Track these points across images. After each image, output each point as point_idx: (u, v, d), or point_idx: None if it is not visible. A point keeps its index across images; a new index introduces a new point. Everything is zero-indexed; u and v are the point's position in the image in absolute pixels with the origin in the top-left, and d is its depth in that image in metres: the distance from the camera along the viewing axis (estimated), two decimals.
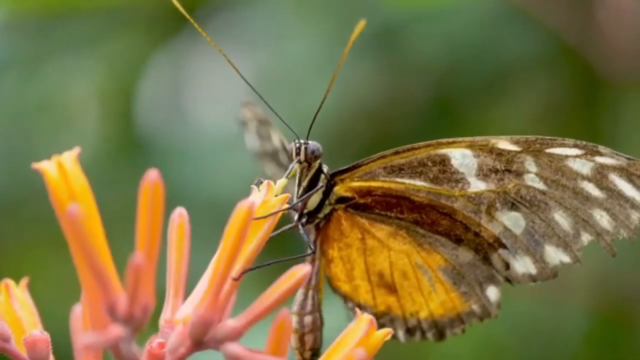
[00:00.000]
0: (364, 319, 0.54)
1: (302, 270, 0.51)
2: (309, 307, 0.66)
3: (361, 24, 0.64)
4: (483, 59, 1.32)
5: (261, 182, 0.59)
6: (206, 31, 0.67)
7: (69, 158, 0.51)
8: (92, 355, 0.54)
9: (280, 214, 0.58)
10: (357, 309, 0.57)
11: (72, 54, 1.49)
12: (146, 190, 0.50)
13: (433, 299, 0.66)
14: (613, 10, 1.19)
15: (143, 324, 0.49)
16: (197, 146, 1.43)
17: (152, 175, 0.50)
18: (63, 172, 0.51)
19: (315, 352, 0.65)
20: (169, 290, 0.55)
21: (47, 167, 0.51)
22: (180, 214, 0.56)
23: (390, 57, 1.34)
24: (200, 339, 0.51)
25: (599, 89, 1.26)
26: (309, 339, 0.65)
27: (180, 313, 0.54)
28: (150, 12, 1.44)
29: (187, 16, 0.67)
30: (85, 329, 0.54)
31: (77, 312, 0.56)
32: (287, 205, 0.60)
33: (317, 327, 0.66)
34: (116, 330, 0.49)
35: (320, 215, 0.66)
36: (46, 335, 0.54)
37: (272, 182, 0.58)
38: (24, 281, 0.58)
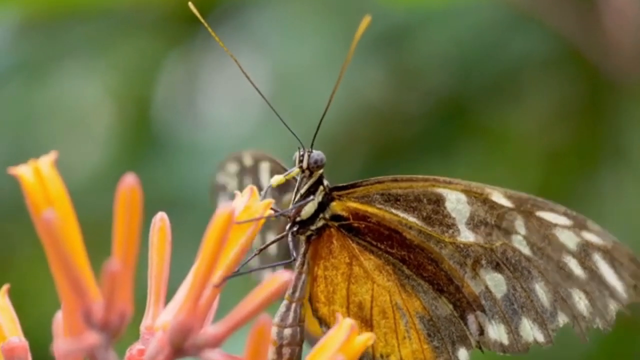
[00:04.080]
0: (345, 325, 0.53)
1: (283, 276, 0.51)
2: (290, 319, 0.64)
3: (366, 20, 0.63)
4: (490, 62, 1.31)
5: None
6: (217, 35, 0.67)
7: (46, 162, 0.51)
8: None
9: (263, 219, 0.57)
10: (339, 314, 0.56)
11: (84, 58, 1.49)
12: (123, 195, 0.49)
13: (406, 345, 0.65)
14: (617, 14, 1.18)
15: (120, 330, 0.49)
16: (212, 148, 1.43)
17: (129, 180, 0.49)
18: (39, 176, 0.50)
19: None
20: (150, 296, 0.55)
21: (24, 171, 0.50)
22: (161, 218, 0.55)
23: (398, 60, 1.33)
24: (180, 345, 0.51)
25: (605, 91, 1.25)
26: (286, 351, 0.64)
27: (160, 319, 0.54)
28: (164, 15, 1.45)
29: (202, 20, 0.66)
30: (64, 335, 0.53)
31: (59, 318, 0.55)
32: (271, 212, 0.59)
33: (297, 341, 0.64)
34: (92, 337, 0.48)
35: (313, 227, 0.65)
36: (24, 343, 0.54)
37: (255, 188, 0.57)
38: (5, 287, 0.58)
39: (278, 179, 0.64)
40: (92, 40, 1.48)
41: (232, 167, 0.74)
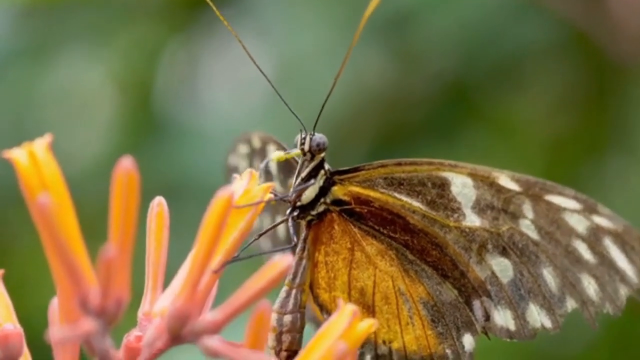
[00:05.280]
0: (347, 311, 0.52)
1: (284, 261, 0.49)
2: (290, 306, 0.63)
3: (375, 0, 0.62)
4: (495, 47, 1.30)
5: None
6: (219, 20, 0.66)
7: (41, 146, 0.50)
8: (70, 349, 0.52)
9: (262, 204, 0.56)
10: (340, 300, 0.55)
11: (86, 43, 1.48)
12: (120, 179, 0.48)
13: (409, 331, 0.64)
14: None
15: (117, 317, 0.48)
16: (214, 134, 1.42)
17: (126, 163, 0.48)
18: (34, 160, 0.49)
19: (292, 354, 0.62)
20: (148, 282, 0.54)
21: (18, 155, 0.49)
22: (159, 202, 0.54)
23: (403, 44, 1.32)
24: (178, 332, 0.50)
25: (611, 77, 1.24)
26: (286, 338, 0.63)
27: (158, 306, 0.53)
28: (166, 0, 1.44)
29: (210, 3, 0.65)
30: (60, 322, 0.52)
31: (54, 305, 0.54)
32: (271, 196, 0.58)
33: (297, 328, 0.63)
34: (88, 324, 0.47)
35: (313, 212, 0.64)
36: (19, 329, 0.52)
37: (254, 171, 0.56)
38: (0, 273, 0.57)
39: (279, 154, 0.63)
40: (94, 25, 1.47)
41: (243, 149, 0.73)
